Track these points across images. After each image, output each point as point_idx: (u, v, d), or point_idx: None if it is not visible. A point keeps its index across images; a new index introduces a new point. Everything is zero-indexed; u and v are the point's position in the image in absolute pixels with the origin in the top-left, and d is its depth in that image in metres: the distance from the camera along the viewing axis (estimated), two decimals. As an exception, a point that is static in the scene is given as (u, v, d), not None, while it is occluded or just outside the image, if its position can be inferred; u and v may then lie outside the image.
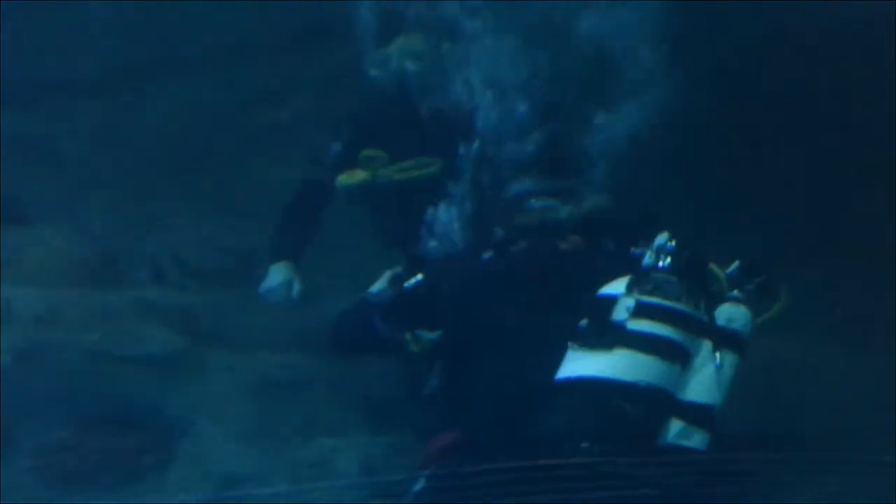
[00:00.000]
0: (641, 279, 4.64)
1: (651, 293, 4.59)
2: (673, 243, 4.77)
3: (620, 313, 4.56)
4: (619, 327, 4.52)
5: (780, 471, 4.99)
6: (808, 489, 4.94)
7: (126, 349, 6.55)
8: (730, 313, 4.67)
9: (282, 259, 6.67)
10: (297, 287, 6.59)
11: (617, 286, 4.66)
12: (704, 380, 4.52)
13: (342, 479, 5.46)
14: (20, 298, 6.94)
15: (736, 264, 4.85)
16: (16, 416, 6.45)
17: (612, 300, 4.62)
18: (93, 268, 7.42)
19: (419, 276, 5.10)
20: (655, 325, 4.53)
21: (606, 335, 4.52)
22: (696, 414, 4.49)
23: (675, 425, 4.48)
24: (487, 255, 5.20)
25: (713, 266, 4.83)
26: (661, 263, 4.70)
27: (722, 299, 4.72)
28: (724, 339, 4.60)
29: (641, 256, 4.79)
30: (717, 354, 4.54)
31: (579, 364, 4.52)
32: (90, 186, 8.24)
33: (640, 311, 4.55)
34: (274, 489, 5.02)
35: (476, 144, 5.73)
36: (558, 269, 5.08)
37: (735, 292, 4.76)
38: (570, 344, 4.56)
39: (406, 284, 5.09)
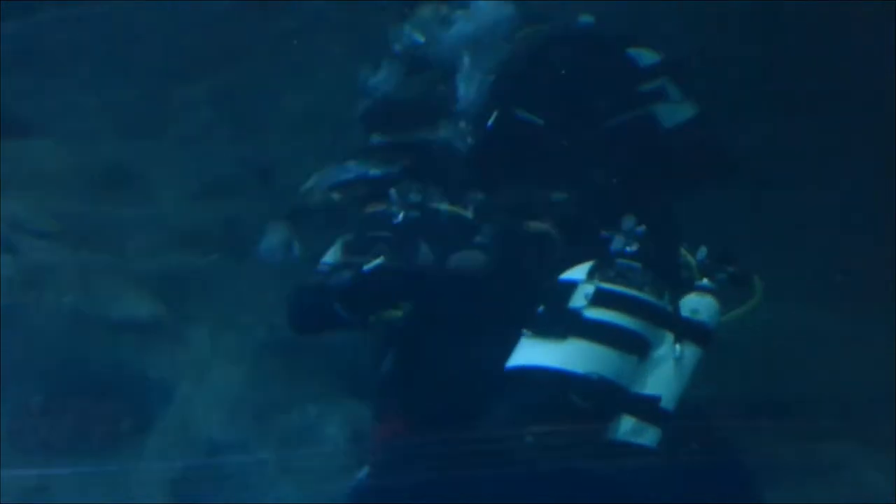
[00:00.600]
0: (604, 265, 4.36)
1: (613, 280, 4.31)
2: (642, 227, 4.47)
3: (579, 300, 4.28)
4: (576, 315, 4.25)
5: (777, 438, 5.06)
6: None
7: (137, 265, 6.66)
8: (696, 304, 4.36)
9: (280, 218, 6.54)
10: (296, 248, 6.48)
11: (578, 272, 4.38)
12: (662, 374, 4.26)
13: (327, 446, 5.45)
14: (22, 213, 7.01)
15: (704, 251, 4.51)
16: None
17: (571, 286, 4.34)
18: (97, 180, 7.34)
19: (379, 259, 4.79)
20: (614, 314, 4.25)
21: (561, 323, 4.25)
22: (649, 409, 4.25)
23: (627, 422, 4.24)
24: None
25: (684, 252, 4.55)
26: (628, 248, 4.42)
27: (690, 288, 4.43)
28: (688, 330, 4.30)
29: (610, 240, 4.48)
30: (678, 347, 4.26)
31: (530, 352, 4.26)
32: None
33: (600, 298, 4.27)
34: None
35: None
36: (524, 251, 4.81)
37: (705, 281, 4.45)
38: (524, 331, 4.29)
39: (366, 267, 4.81)
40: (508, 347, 4.29)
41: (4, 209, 6.95)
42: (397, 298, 4.75)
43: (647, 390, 4.24)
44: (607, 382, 4.17)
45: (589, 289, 4.28)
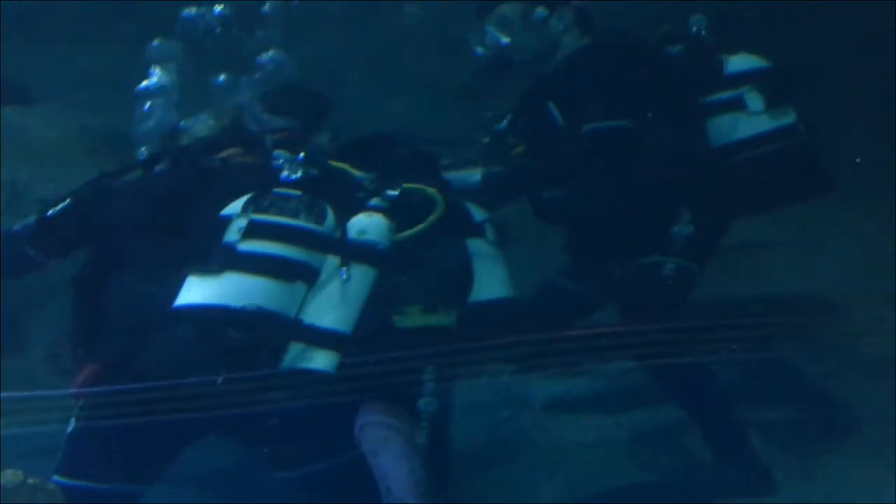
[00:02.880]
0: (259, 197, 4.38)
1: (266, 211, 4.33)
2: (301, 155, 4.57)
3: (232, 234, 4.30)
4: (229, 249, 4.28)
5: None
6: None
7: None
8: (362, 224, 4.38)
9: None
10: None
11: (234, 206, 4.39)
12: (329, 298, 4.28)
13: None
14: (23, 179, 6.98)
15: (372, 174, 4.59)
16: (27, 306, 6.63)
17: (225, 220, 4.36)
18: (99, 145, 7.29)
19: (67, 201, 4.86)
20: (268, 244, 4.28)
21: (215, 258, 4.27)
22: (318, 334, 4.27)
23: (294, 348, 4.26)
24: (134, 173, 4.90)
25: (354, 172, 4.60)
26: (291, 175, 4.50)
27: (358, 209, 4.46)
28: (354, 252, 4.33)
29: (279, 170, 4.56)
30: (344, 270, 4.28)
31: (190, 290, 4.27)
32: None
33: (253, 230, 4.29)
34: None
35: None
36: (195, 187, 4.72)
37: (375, 200, 4.48)
38: (186, 270, 4.31)
39: (52, 210, 4.87)
40: (176, 287, 4.31)
41: (6, 176, 6.97)
42: (78, 240, 4.80)
43: (314, 316, 4.26)
44: (266, 313, 4.20)
45: (242, 222, 4.31)
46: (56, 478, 4.48)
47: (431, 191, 4.57)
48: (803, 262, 6.81)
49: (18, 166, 7.01)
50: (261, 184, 4.48)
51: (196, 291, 4.26)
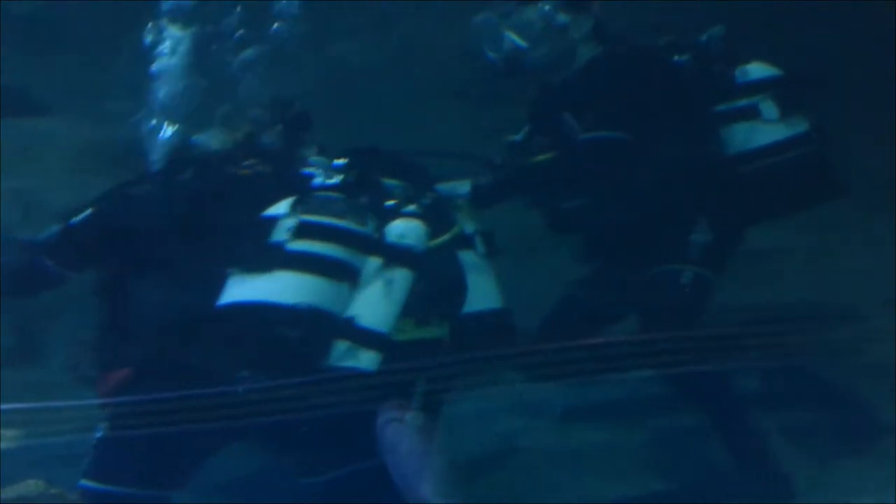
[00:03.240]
0: (305, 198, 4.47)
1: (314, 211, 4.42)
2: (342, 161, 4.62)
3: (281, 234, 4.38)
4: (279, 248, 4.35)
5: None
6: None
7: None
8: (402, 229, 4.46)
9: None
10: None
11: (280, 207, 4.47)
12: (372, 298, 4.36)
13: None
14: (37, 189, 6.98)
15: (402, 182, 4.66)
16: (42, 313, 6.63)
17: (273, 221, 4.43)
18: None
19: (88, 210, 4.81)
20: (317, 244, 4.35)
21: (265, 257, 4.34)
22: (362, 333, 4.33)
23: (340, 346, 4.32)
24: (156, 182, 4.95)
25: (388, 181, 4.65)
26: (329, 181, 4.55)
27: (396, 215, 4.53)
28: (395, 255, 4.42)
29: (313, 176, 4.62)
30: (386, 271, 4.37)
31: (238, 289, 4.34)
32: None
33: (302, 230, 4.37)
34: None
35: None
36: (225, 193, 4.77)
37: (412, 207, 4.55)
38: (230, 269, 4.36)
39: (73, 220, 4.82)
40: (215, 288, 4.36)
41: (21, 185, 6.98)
42: (101, 251, 4.75)
43: (360, 315, 4.33)
44: (316, 310, 4.27)
45: (291, 222, 4.38)
46: (84, 482, 4.50)
47: (460, 201, 4.71)
48: (818, 267, 6.82)
49: (30, 177, 7.07)
50: (293, 189, 4.53)
51: (245, 289, 4.32)
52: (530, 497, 5.41)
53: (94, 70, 7.85)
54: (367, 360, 4.31)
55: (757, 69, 5.43)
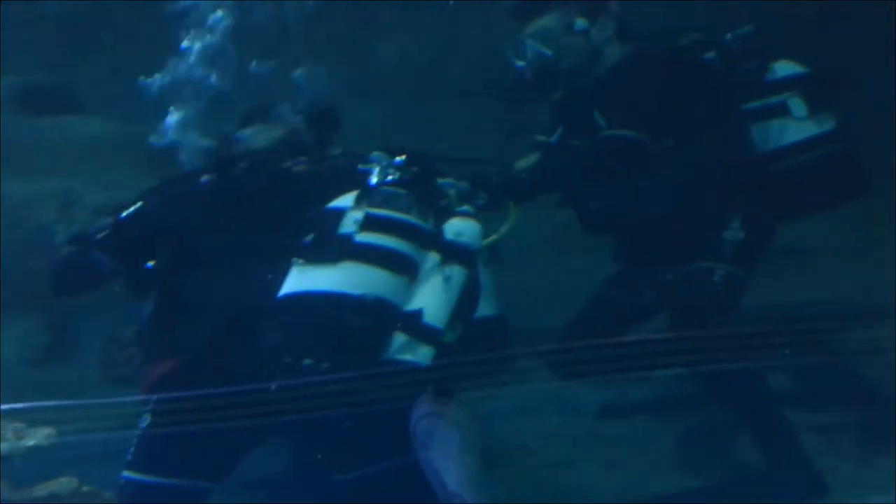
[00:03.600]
0: (371, 192, 4.48)
1: (380, 205, 4.44)
2: (401, 158, 4.61)
3: (348, 226, 4.40)
4: (347, 240, 4.37)
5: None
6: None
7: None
8: (458, 227, 4.50)
9: None
10: None
11: (345, 200, 4.49)
12: (431, 293, 4.39)
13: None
14: (76, 186, 7.02)
15: (464, 182, 4.71)
16: (77, 312, 6.68)
17: (339, 213, 4.45)
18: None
19: (138, 203, 4.83)
20: (383, 237, 4.38)
21: (333, 248, 4.36)
22: (421, 328, 4.36)
23: (399, 339, 4.34)
24: (207, 177, 4.93)
25: (444, 180, 4.68)
26: (389, 178, 4.55)
27: (451, 213, 4.56)
28: (453, 252, 4.45)
29: (369, 173, 4.60)
30: (445, 267, 4.41)
31: (303, 279, 4.35)
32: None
33: (369, 223, 4.40)
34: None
35: None
36: (280, 187, 4.83)
37: (466, 207, 4.62)
38: (294, 260, 4.38)
39: (123, 213, 4.83)
40: (274, 279, 4.37)
41: (58, 183, 7.03)
42: (156, 242, 4.75)
43: (419, 309, 4.36)
44: (382, 301, 4.29)
45: (358, 214, 4.40)
46: (126, 473, 4.54)
47: (511, 204, 4.75)
48: (850, 266, 6.78)
49: (71, 174, 7.11)
50: (352, 184, 4.55)
51: (311, 279, 4.34)
52: (562, 494, 5.43)
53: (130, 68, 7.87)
54: (423, 354, 4.33)
55: (784, 67, 5.42)
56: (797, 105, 5.33)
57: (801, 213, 5.48)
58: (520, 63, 5.46)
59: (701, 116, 5.29)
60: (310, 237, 4.41)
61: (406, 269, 4.38)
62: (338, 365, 4.32)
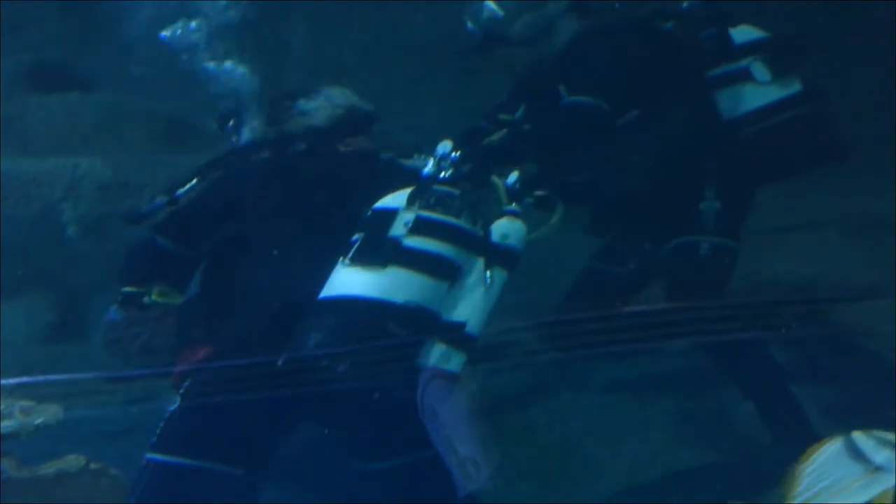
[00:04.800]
0: (423, 192, 4.35)
1: (432, 208, 4.31)
2: (456, 154, 4.48)
3: (398, 228, 4.27)
4: (396, 244, 4.25)
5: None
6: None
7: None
8: (506, 229, 4.39)
9: None
10: None
11: (397, 199, 4.36)
12: (472, 300, 4.29)
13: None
14: (83, 164, 7.01)
15: (515, 176, 4.54)
16: (85, 290, 6.69)
17: (391, 214, 4.32)
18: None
19: (192, 180, 4.76)
20: (433, 242, 4.26)
21: (381, 251, 4.24)
22: (459, 337, 4.29)
23: (437, 348, 4.27)
24: (263, 154, 4.86)
25: (494, 178, 4.55)
26: (442, 174, 4.42)
27: (499, 213, 4.46)
28: (497, 256, 4.35)
29: (423, 164, 4.51)
30: (488, 273, 4.30)
31: (348, 281, 4.25)
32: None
33: (420, 226, 4.26)
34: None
35: None
36: (337, 171, 4.75)
37: (514, 206, 4.48)
38: (341, 259, 4.27)
39: (180, 191, 4.76)
40: (321, 275, 4.30)
41: (66, 161, 7.03)
42: (216, 223, 4.69)
43: (456, 316, 4.29)
44: (425, 311, 4.23)
45: (409, 217, 4.28)
46: (151, 455, 4.50)
47: (558, 202, 4.66)
48: (861, 240, 6.77)
49: (77, 151, 7.10)
50: (405, 179, 4.47)
51: (356, 283, 4.24)
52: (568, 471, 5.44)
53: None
54: (456, 363, 4.28)
55: (744, 32, 5.42)
56: (760, 70, 5.32)
57: (775, 178, 5.47)
58: (472, 26, 5.45)
59: (664, 86, 5.25)
60: (359, 236, 4.31)
61: (451, 275, 4.29)
62: (372, 374, 4.29)
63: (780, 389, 5.24)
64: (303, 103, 5.00)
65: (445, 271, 4.28)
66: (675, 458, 5.42)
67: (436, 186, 4.37)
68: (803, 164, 5.43)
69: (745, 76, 5.33)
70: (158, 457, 4.48)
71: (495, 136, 5.37)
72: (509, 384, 5.74)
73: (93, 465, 4.28)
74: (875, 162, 6.62)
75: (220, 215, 4.69)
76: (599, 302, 5.30)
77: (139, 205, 5.02)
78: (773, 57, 5.35)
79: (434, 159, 4.47)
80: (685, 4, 5.48)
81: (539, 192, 4.74)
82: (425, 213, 4.30)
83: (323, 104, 4.98)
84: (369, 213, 4.37)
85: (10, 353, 5.80)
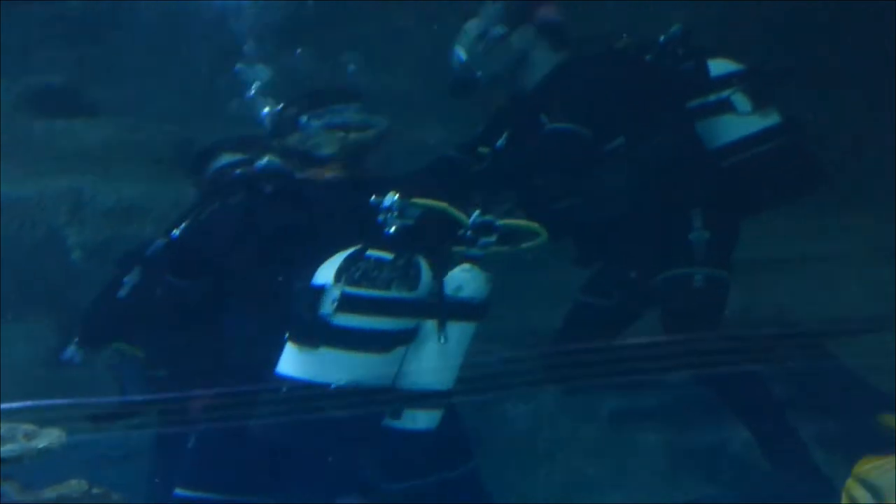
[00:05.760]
0: (350, 264, 4.23)
1: (358, 283, 4.21)
2: (410, 200, 4.36)
3: (326, 306, 4.18)
4: (325, 323, 4.18)
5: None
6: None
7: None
8: (459, 280, 4.31)
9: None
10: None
11: (327, 273, 4.24)
12: (429, 360, 4.26)
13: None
14: (87, 189, 7.02)
15: (476, 213, 4.39)
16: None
17: (319, 291, 4.22)
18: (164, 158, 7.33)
19: (187, 221, 4.74)
20: (363, 318, 4.20)
21: (312, 333, 4.20)
22: (419, 396, 4.28)
23: (406, 413, 4.29)
24: (237, 197, 4.77)
25: (457, 213, 4.39)
26: (388, 229, 4.30)
27: (456, 260, 4.37)
28: (452, 311, 4.29)
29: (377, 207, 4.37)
30: (441, 334, 4.23)
31: (290, 360, 4.25)
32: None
33: (346, 303, 4.18)
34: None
35: None
36: (296, 220, 4.59)
37: (475, 249, 4.36)
38: (286, 335, 4.27)
39: (177, 231, 4.73)
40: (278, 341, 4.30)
41: (70, 184, 7.05)
42: (207, 261, 4.66)
43: (418, 377, 4.28)
44: (362, 388, 4.21)
45: (335, 293, 4.20)
46: (179, 491, 4.53)
47: (535, 225, 4.51)
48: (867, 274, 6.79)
49: (82, 176, 7.12)
50: (361, 229, 4.39)
51: (294, 363, 4.26)
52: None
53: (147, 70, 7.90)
54: (424, 421, 4.31)
55: (721, 65, 5.47)
56: (741, 100, 5.38)
57: (761, 207, 5.52)
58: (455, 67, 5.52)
59: (648, 116, 5.30)
60: (297, 312, 4.28)
61: (394, 343, 4.24)
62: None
63: (779, 420, 5.25)
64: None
65: (384, 343, 4.24)
66: (679, 486, 5.44)
67: (368, 252, 4.27)
68: (786, 192, 5.48)
69: (727, 107, 5.38)
70: (187, 493, 4.51)
71: (477, 166, 5.42)
72: (510, 413, 5.76)
73: (95, 490, 4.28)
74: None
75: (208, 253, 4.68)
76: (590, 334, 5.32)
77: (140, 246, 5.10)
78: (752, 88, 5.40)
79: (381, 213, 4.36)
80: (661, 38, 5.52)
81: (508, 222, 4.54)
82: (351, 290, 4.21)
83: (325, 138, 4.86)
84: (301, 289, 4.29)
85: (13, 377, 5.81)
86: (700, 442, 5.68)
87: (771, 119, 5.38)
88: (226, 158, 5.41)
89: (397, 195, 4.35)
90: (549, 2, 5.50)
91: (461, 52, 5.45)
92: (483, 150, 5.46)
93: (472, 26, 5.46)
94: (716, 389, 5.27)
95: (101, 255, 6.76)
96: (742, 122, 5.36)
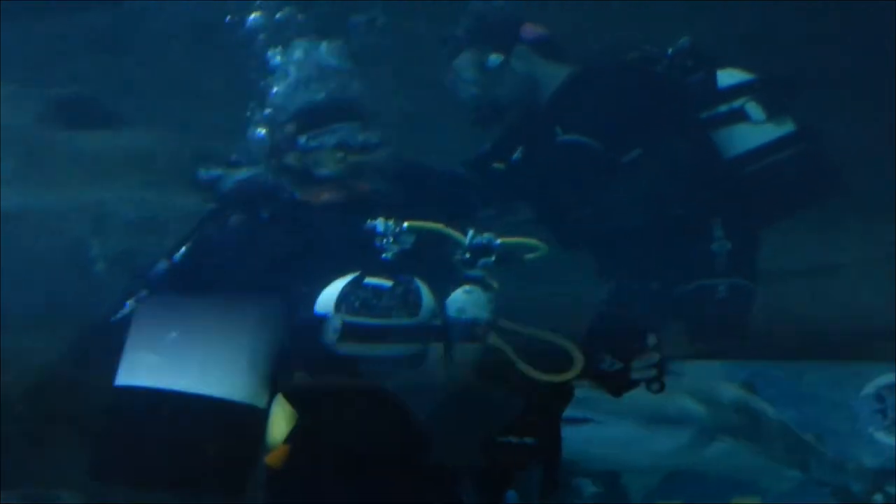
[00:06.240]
0: (349, 293, 4.17)
1: (357, 312, 4.15)
2: (405, 224, 4.33)
3: (329, 336, 4.16)
4: (328, 354, 4.16)
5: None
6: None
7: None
8: (461, 303, 4.22)
9: None
10: None
11: (328, 300, 4.18)
12: (434, 387, 4.23)
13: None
14: (110, 200, 7.07)
15: (471, 233, 4.30)
16: (111, 325, 6.70)
17: (320, 321, 4.16)
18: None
19: (188, 244, 4.67)
20: (364, 347, 4.17)
21: (316, 363, 4.21)
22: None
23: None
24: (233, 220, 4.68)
25: (454, 234, 4.34)
26: (385, 254, 4.30)
27: (458, 282, 4.27)
28: (457, 332, 4.21)
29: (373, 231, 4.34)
30: (445, 359, 4.19)
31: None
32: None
33: (348, 333, 4.14)
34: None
35: None
36: (295, 245, 4.49)
37: (475, 270, 4.29)
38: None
39: (177, 255, 4.67)
40: None
41: (93, 196, 7.09)
42: (202, 291, 4.57)
43: (424, 406, 4.25)
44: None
45: (336, 323, 4.17)
46: None
47: (533, 241, 4.44)
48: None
49: (103, 189, 7.16)
50: (359, 254, 4.36)
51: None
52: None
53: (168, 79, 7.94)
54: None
55: (731, 75, 5.51)
56: (755, 109, 5.39)
57: (779, 216, 5.55)
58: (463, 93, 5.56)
59: (662, 127, 5.34)
60: (299, 341, 4.27)
61: (399, 367, 4.21)
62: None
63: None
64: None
65: (388, 370, 4.22)
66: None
67: (366, 280, 4.21)
68: (803, 200, 5.51)
69: (740, 116, 5.40)
70: None
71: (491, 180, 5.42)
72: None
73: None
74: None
75: (208, 273, 4.59)
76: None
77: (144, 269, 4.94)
78: (766, 97, 5.42)
79: (377, 238, 4.34)
80: (669, 50, 5.54)
81: (503, 240, 4.42)
82: (351, 319, 4.17)
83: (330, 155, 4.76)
84: (305, 318, 4.25)
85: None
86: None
87: (786, 127, 5.40)
88: (234, 174, 5.37)
89: (392, 220, 4.35)
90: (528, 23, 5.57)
91: (470, 88, 5.47)
92: (498, 165, 5.46)
93: (464, 61, 5.49)
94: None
95: (123, 266, 6.80)
96: (757, 130, 5.38)
